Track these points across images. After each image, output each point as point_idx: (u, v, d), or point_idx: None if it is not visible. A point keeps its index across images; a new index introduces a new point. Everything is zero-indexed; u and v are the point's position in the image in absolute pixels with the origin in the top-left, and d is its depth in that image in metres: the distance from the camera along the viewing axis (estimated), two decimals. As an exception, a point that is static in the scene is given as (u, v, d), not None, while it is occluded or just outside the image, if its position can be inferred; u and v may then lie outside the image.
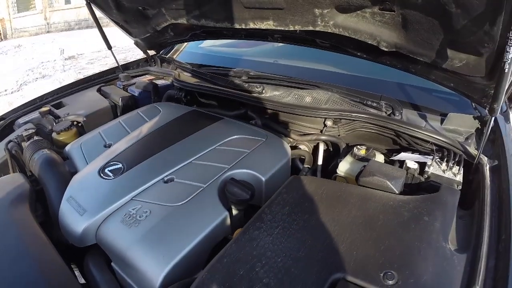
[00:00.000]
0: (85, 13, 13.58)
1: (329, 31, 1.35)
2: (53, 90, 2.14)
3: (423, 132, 1.23)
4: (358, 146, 1.29)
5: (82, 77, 6.91)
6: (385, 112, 1.44)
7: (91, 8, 2.07)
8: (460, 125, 1.31)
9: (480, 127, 1.29)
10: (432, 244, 0.78)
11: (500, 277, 0.72)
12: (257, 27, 1.55)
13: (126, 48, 9.21)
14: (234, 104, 1.73)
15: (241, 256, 0.80)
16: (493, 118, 1.09)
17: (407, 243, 0.78)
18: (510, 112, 1.46)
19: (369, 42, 1.30)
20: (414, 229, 0.82)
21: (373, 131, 1.39)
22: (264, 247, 0.82)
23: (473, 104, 1.38)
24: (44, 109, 1.81)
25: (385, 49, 1.28)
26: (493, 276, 0.73)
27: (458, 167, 1.12)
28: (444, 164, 1.14)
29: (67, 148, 1.49)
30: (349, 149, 1.36)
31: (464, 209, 0.99)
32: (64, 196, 1.18)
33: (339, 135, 1.48)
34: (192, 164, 1.24)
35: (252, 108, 1.65)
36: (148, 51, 2.45)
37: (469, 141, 1.27)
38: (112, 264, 1.03)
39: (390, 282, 0.68)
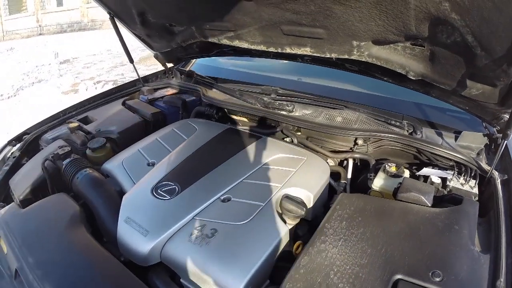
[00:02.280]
0: (77, 15, 13.33)
1: (363, 60, 1.42)
2: (76, 104, 2.07)
3: (443, 150, 1.34)
4: (388, 164, 1.35)
5: (80, 81, 6.81)
6: (407, 131, 1.52)
7: (114, 22, 2.02)
8: (472, 142, 1.41)
9: (488, 143, 1.40)
10: (463, 247, 0.93)
11: None
12: (293, 52, 1.57)
13: (122, 52, 9.08)
14: (265, 121, 1.73)
15: (315, 266, 0.90)
16: (505, 142, 1.19)
17: (444, 247, 0.93)
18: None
19: (398, 71, 1.39)
20: (448, 236, 0.96)
21: (397, 148, 1.48)
22: (332, 258, 0.93)
23: (484, 124, 1.50)
24: (73, 124, 1.74)
25: (412, 78, 1.37)
26: None
27: (475, 180, 1.24)
28: (462, 178, 1.25)
29: (106, 165, 1.46)
30: (375, 168, 1.41)
31: (480, 216, 1.10)
32: (120, 217, 1.17)
33: (367, 152, 1.54)
34: (244, 183, 1.27)
35: (286, 126, 1.65)
36: (167, 64, 2.42)
37: (480, 156, 1.37)
38: (182, 280, 1.04)
39: (437, 279, 0.84)
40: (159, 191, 1.24)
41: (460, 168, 1.29)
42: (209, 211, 1.16)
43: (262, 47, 1.66)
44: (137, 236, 1.09)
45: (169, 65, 2.43)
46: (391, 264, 0.89)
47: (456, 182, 1.26)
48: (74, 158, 1.45)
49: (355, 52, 1.41)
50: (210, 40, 1.83)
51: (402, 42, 1.28)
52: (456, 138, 1.47)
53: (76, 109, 2.02)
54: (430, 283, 0.83)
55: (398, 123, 1.55)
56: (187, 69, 2.43)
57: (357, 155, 1.51)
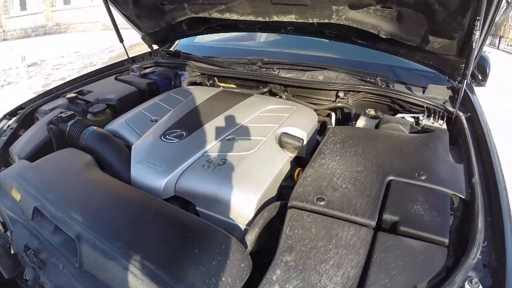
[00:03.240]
0: (42, 19, 12.85)
1: (341, 23, 1.60)
2: (68, 81, 2.09)
3: (414, 97, 1.52)
4: (367, 109, 1.52)
5: (51, 82, 6.63)
6: (381, 86, 1.69)
7: (107, 2, 2.06)
8: (438, 94, 1.58)
9: (452, 95, 1.58)
10: (441, 157, 1.11)
11: (487, 172, 1.09)
12: (279, 20, 1.71)
13: (90, 54, 8.92)
14: (253, 86, 1.86)
15: (319, 175, 1.04)
16: (465, 81, 1.39)
17: (425, 158, 1.10)
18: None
19: (371, 31, 1.58)
20: (427, 151, 1.14)
21: (373, 100, 1.66)
22: (333, 168, 1.07)
23: (446, 77, 1.69)
24: (71, 95, 1.78)
25: (383, 37, 1.57)
26: (483, 172, 1.10)
27: (442, 121, 1.42)
28: (432, 119, 1.43)
29: (109, 126, 1.50)
30: (356, 116, 1.57)
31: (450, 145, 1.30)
32: (132, 161, 1.22)
33: (347, 103, 1.70)
34: (245, 126, 1.38)
35: (274, 87, 1.79)
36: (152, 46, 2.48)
37: (446, 104, 1.55)
38: (197, 208, 1.10)
39: (423, 178, 0.99)
40: (167, 136, 1.32)
41: (430, 111, 1.46)
42: (216, 148, 1.25)
43: (251, 18, 1.79)
44: (152, 172, 1.16)
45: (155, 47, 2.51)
46: (383, 169, 1.04)
47: (428, 121, 1.43)
48: (78, 118, 1.50)
49: (334, 16, 1.59)
50: (201, 15, 1.93)
51: (374, 6, 1.47)
52: (423, 91, 1.65)
53: (69, 85, 2.04)
54: (417, 180, 0.99)
55: (372, 80, 1.73)
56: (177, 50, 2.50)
57: (339, 105, 1.66)
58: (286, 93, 1.79)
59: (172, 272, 0.77)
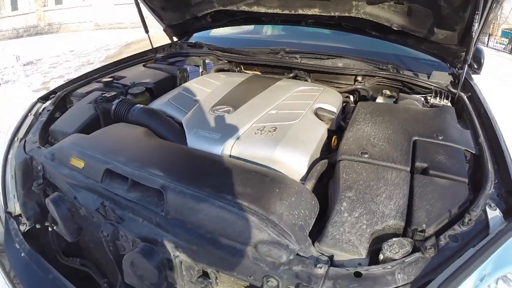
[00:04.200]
0: (34, 19, 12.63)
1: (359, 16, 1.77)
2: (95, 69, 2.13)
3: (422, 81, 1.72)
4: (384, 90, 1.72)
5: (50, 80, 6.56)
6: (392, 72, 1.86)
7: None
8: (441, 79, 1.76)
9: (452, 80, 1.76)
10: (452, 124, 1.31)
11: (489, 135, 1.25)
12: (303, 13, 1.85)
13: (86, 53, 8.85)
14: (278, 72, 1.99)
15: (358, 136, 1.22)
16: (466, 65, 1.57)
17: (439, 124, 1.28)
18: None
19: (385, 24, 1.77)
20: (439, 119, 1.33)
21: (386, 84, 1.83)
22: (368, 131, 1.24)
23: (448, 65, 1.88)
24: (107, 79, 1.84)
25: (395, 29, 1.76)
26: (486, 135, 1.26)
27: (447, 100, 1.62)
28: (438, 98, 1.63)
29: (152, 105, 1.57)
30: (372, 97, 1.76)
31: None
32: (187, 132, 1.31)
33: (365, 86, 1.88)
34: (283, 103, 1.49)
35: (298, 72, 1.93)
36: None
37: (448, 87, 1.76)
38: None
39: (440, 138, 1.18)
40: (216, 111, 1.42)
41: (436, 92, 1.66)
42: (264, 119, 1.36)
43: (277, 10, 1.90)
44: (209, 140, 1.25)
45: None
46: (407, 132, 1.23)
47: (435, 100, 1.63)
48: (123, 98, 1.56)
49: (353, 10, 1.75)
50: (228, 8, 2.01)
51: (388, 2, 1.67)
52: (428, 77, 1.82)
53: (97, 72, 2.08)
54: (436, 139, 1.19)
55: (384, 66, 1.90)
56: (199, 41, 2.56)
57: (359, 87, 1.83)
58: (310, 78, 1.92)
59: (263, 206, 0.87)
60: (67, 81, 1.97)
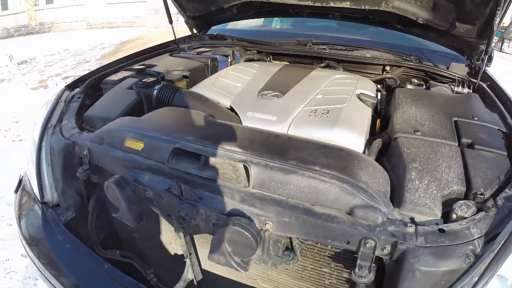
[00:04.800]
0: (24, 18, 12.29)
1: (388, 10, 1.82)
2: (119, 59, 2.04)
3: (445, 71, 1.78)
4: (412, 79, 1.78)
5: (47, 78, 6.36)
6: (416, 62, 1.91)
7: None
8: (458, 70, 1.82)
9: (469, 71, 1.84)
10: (481, 108, 1.40)
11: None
12: (335, 5, 1.85)
13: (81, 51, 8.66)
14: (307, 62, 2.01)
15: (406, 117, 1.28)
16: (486, 56, 1.64)
17: (471, 107, 1.38)
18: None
19: (411, 18, 1.82)
20: (470, 103, 1.42)
21: (410, 73, 1.88)
22: (413, 113, 1.31)
23: (465, 57, 1.95)
24: (139, 66, 1.77)
25: (420, 22, 1.81)
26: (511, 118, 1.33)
27: (469, 89, 1.68)
28: (460, 87, 1.68)
29: (193, 90, 1.54)
30: (399, 86, 1.80)
31: None
32: (241, 116, 1.31)
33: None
34: (325, 89, 1.51)
35: (329, 62, 1.95)
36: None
37: None
38: None
39: (476, 119, 1.26)
40: (264, 96, 1.42)
41: (458, 82, 1.72)
42: (313, 102, 1.39)
43: (309, 3, 1.88)
44: (266, 122, 1.26)
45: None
46: (448, 113, 1.31)
47: (458, 89, 1.69)
48: (165, 83, 1.49)
49: (383, 4, 1.80)
50: (259, -2, 1.97)
51: None
52: (447, 68, 1.88)
53: (122, 62, 2.01)
54: (473, 120, 1.27)
55: (408, 58, 1.95)
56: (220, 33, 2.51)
57: (388, 76, 1.88)
58: (341, 68, 1.93)
59: (350, 174, 0.92)
60: (90, 71, 1.88)
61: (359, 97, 1.46)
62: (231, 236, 0.90)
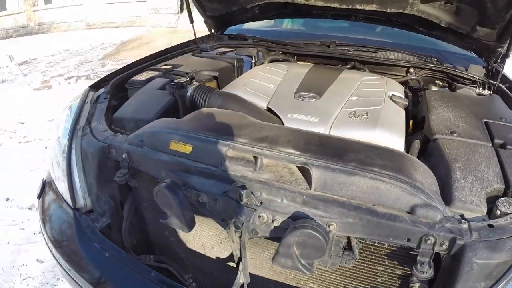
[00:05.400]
0: (23, 19, 12.06)
1: (412, 13, 1.83)
2: (140, 59, 1.97)
3: (467, 73, 1.79)
4: (436, 80, 1.81)
5: (49, 78, 6.24)
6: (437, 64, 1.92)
7: None
8: (477, 72, 1.84)
9: (486, 73, 1.86)
10: (506, 109, 1.45)
11: None
12: (361, 8, 1.85)
13: (82, 51, 8.53)
14: (332, 63, 2.00)
15: (441, 118, 1.30)
16: (506, 59, 1.67)
17: (497, 109, 1.43)
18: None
19: (434, 21, 1.84)
20: (494, 105, 1.48)
21: (432, 75, 1.89)
22: (446, 115, 1.32)
23: (483, 59, 1.95)
24: (166, 66, 1.70)
25: (443, 26, 1.84)
26: None
27: (489, 91, 1.68)
28: (481, 88, 1.69)
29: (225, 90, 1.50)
30: (423, 87, 1.80)
31: None
32: (282, 117, 1.31)
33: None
34: (358, 91, 1.50)
35: (355, 64, 1.93)
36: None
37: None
38: None
39: (503, 120, 1.30)
40: (301, 97, 1.41)
41: (479, 83, 1.72)
42: (350, 104, 1.39)
43: (335, 5, 1.87)
44: (308, 123, 1.27)
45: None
46: (477, 115, 1.33)
47: (479, 90, 1.69)
48: (199, 84, 1.44)
49: (408, 8, 1.82)
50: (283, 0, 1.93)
51: (439, 1, 1.76)
52: (466, 70, 1.89)
53: (145, 62, 1.94)
54: (501, 121, 1.30)
55: (429, 60, 1.97)
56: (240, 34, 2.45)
57: (413, 77, 1.88)
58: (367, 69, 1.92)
59: (407, 174, 0.94)
60: (111, 72, 1.81)
61: (391, 98, 1.46)
62: (301, 239, 0.87)
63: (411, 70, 1.93)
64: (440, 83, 1.80)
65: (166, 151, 1.09)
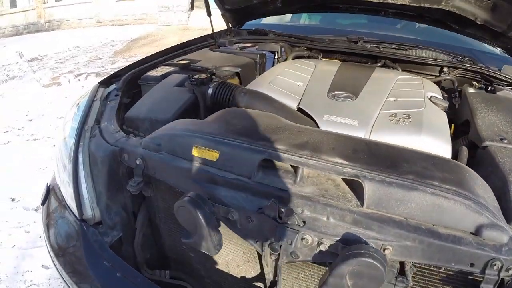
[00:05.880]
0: (33, 16, 12.02)
1: (447, 9, 1.71)
2: (155, 53, 1.81)
3: (502, 74, 1.66)
4: (472, 82, 1.68)
5: (59, 75, 6.14)
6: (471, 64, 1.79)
7: None
8: (511, 73, 1.69)
9: None
10: None
11: None
12: (392, 2, 1.72)
13: (92, 48, 8.45)
14: (360, 61, 1.85)
15: (487, 124, 1.16)
16: None
17: None
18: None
19: (470, 18, 1.72)
20: None
21: (466, 76, 1.75)
22: (492, 119, 1.19)
23: None
24: (184, 61, 1.54)
25: (479, 23, 1.71)
26: None
27: None
28: None
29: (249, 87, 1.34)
30: (457, 88, 1.67)
31: None
32: (316, 119, 1.17)
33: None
34: (395, 91, 1.36)
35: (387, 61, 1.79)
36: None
37: None
38: None
39: None
40: (336, 97, 1.26)
41: None
42: (389, 106, 1.25)
43: None
44: (347, 127, 1.14)
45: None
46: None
47: None
48: (222, 80, 1.27)
49: (443, 3, 1.70)
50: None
51: None
52: (499, 70, 1.75)
53: (159, 56, 1.79)
54: None
55: (462, 59, 1.83)
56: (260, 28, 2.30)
57: (448, 77, 1.73)
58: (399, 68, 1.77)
59: (469, 189, 0.82)
60: (123, 67, 1.66)
61: (431, 100, 1.35)
62: (357, 268, 0.73)
63: (445, 69, 1.79)
64: (477, 84, 1.67)
65: (188, 157, 0.93)
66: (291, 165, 0.87)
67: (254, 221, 0.83)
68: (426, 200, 0.79)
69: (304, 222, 0.81)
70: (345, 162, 0.84)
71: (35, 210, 2.59)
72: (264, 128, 0.95)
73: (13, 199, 2.70)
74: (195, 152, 0.91)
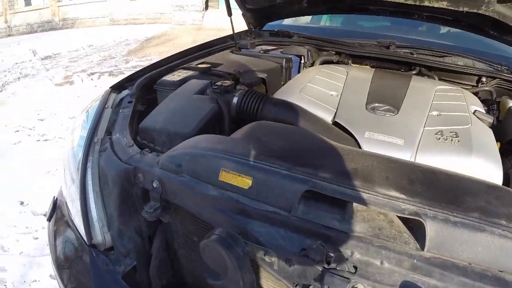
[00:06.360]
0: (48, 14, 12.07)
1: (487, 14, 1.56)
2: (171, 56, 1.68)
3: None
4: (511, 94, 1.53)
5: (72, 74, 6.09)
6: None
7: None
8: None
9: None
10: None
11: None
12: (430, 5, 1.57)
13: (106, 47, 8.41)
14: (392, 67, 1.71)
15: None
16: None
17: None
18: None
19: (510, 24, 1.57)
20: None
21: (504, 86, 1.62)
22: None
23: None
24: (204, 65, 1.40)
25: None
26: None
27: None
28: None
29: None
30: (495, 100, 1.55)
31: None
32: (357, 136, 1.05)
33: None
34: (436, 104, 1.26)
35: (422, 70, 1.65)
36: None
37: None
38: None
39: None
40: (375, 110, 1.14)
41: None
42: (433, 122, 1.14)
43: (400, 0, 1.59)
44: (392, 146, 1.03)
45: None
46: None
47: None
48: (250, 89, 1.13)
49: (483, 7, 1.56)
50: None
51: None
52: None
53: (176, 59, 1.65)
54: None
55: (499, 68, 1.68)
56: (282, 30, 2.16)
57: (487, 88, 1.59)
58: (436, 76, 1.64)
59: None
60: (136, 70, 1.53)
61: (475, 115, 1.25)
62: None
63: (483, 79, 1.64)
64: None
65: (215, 182, 0.79)
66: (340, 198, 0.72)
67: (295, 264, 0.69)
68: (494, 242, 0.70)
69: (355, 267, 0.68)
70: (402, 196, 0.72)
71: (44, 215, 2.49)
72: (303, 149, 0.81)
73: (21, 203, 2.60)
74: (223, 177, 0.77)
